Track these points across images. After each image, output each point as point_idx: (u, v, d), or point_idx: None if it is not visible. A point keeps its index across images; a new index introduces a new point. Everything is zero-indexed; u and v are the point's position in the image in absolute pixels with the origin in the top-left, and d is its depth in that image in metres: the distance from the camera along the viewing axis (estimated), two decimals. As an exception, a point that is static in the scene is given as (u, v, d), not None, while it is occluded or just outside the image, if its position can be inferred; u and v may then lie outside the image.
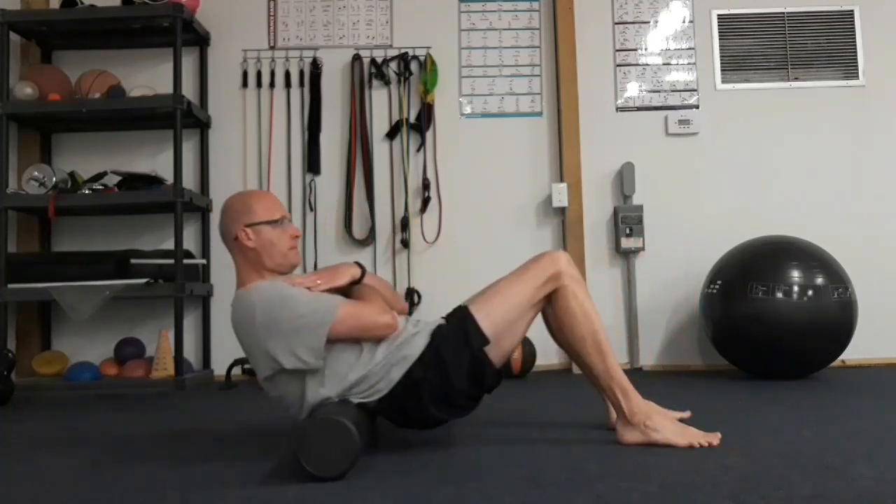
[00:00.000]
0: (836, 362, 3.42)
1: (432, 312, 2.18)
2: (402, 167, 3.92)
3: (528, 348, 3.58)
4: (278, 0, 4.03)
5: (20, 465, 1.94)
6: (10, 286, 3.48)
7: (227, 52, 3.99)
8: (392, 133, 3.95)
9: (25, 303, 3.74)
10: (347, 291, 1.97)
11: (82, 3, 3.77)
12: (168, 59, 3.85)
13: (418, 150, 3.95)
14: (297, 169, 3.94)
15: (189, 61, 3.95)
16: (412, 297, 3.82)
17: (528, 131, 3.98)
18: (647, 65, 4.01)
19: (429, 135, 3.95)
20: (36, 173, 3.58)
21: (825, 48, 3.99)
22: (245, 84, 3.98)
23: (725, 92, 3.99)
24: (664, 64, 4.01)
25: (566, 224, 3.86)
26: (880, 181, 3.93)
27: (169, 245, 3.79)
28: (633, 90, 4.00)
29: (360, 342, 1.86)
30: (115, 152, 3.93)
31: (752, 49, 4.01)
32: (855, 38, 3.98)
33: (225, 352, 3.78)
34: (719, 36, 4.01)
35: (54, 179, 3.57)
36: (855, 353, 3.50)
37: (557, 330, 2.01)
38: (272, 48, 4.01)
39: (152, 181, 3.65)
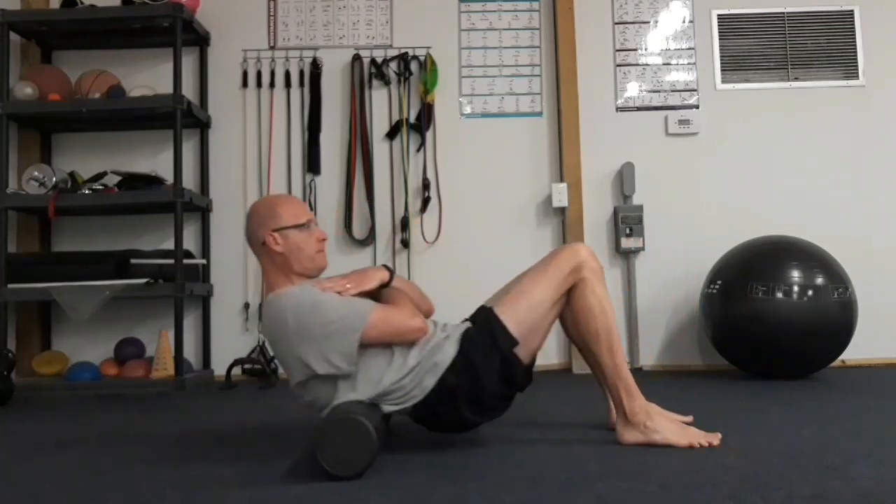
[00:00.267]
0: (836, 362, 3.42)
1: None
2: (402, 167, 3.92)
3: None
4: (278, 0, 4.03)
5: (20, 465, 1.94)
6: (10, 286, 3.49)
7: (227, 52, 3.99)
8: (392, 133, 3.95)
9: (25, 303, 3.74)
10: (376, 295, 1.97)
11: (82, 3, 3.77)
12: (168, 59, 3.85)
13: (418, 150, 3.95)
14: (297, 169, 3.94)
15: (189, 61, 3.95)
16: (412, 297, 3.82)
17: (528, 131, 3.98)
18: (647, 65, 4.01)
19: (429, 135, 3.95)
20: (36, 173, 3.58)
21: (825, 48, 3.99)
22: (245, 84, 3.98)
23: (725, 92, 3.99)
24: (664, 64, 4.01)
25: (566, 224, 3.86)
26: (880, 181, 3.93)
27: (169, 245, 3.79)
28: (633, 90, 4.00)
29: (390, 346, 1.86)
30: (115, 152, 3.93)
31: (752, 49, 4.01)
32: (855, 38, 3.98)
33: (225, 352, 3.79)
34: (719, 36, 4.01)
35: (54, 179, 3.57)
36: (855, 353, 3.50)
37: (572, 322, 2.00)
38: (272, 48, 4.01)
39: (152, 181, 3.65)
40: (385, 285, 1.99)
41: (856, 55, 3.97)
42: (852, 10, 3.99)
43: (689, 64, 4.01)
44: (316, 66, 3.96)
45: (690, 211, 3.91)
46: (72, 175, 3.67)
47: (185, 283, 3.52)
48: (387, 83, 3.97)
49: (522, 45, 4.02)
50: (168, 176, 3.66)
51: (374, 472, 1.69)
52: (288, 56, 3.99)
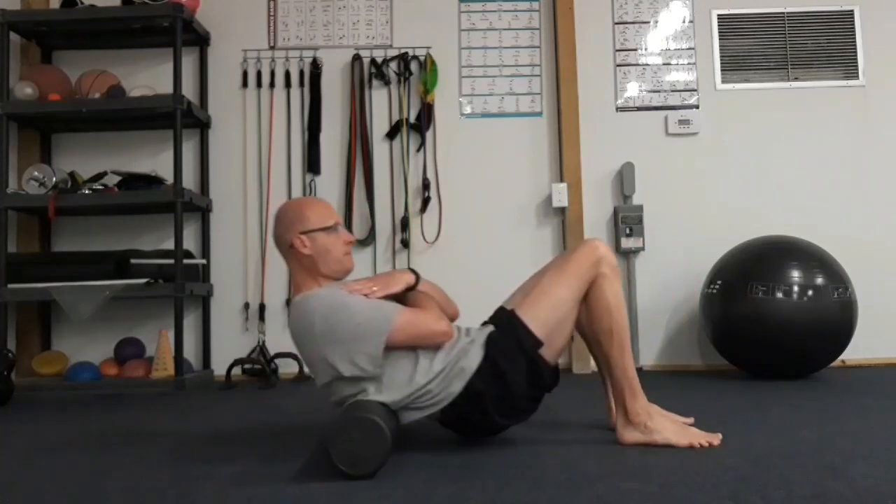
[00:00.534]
0: (836, 362, 3.42)
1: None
2: (402, 167, 3.92)
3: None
4: (278, 0, 4.03)
5: (20, 465, 1.93)
6: (10, 286, 3.49)
7: (227, 52, 3.99)
8: (392, 133, 3.95)
9: (25, 303, 3.74)
10: (402, 298, 1.97)
11: (82, 3, 3.77)
12: (168, 59, 3.85)
13: (418, 150, 3.95)
14: (297, 169, 3.94)
15: (189, 61, 3.95)
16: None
17: (528, 131, 3.98)
18: (647, 65, 4.01)
19: (429, 135, 3.95)
20: (36, 173, 3.58)
21: (825, 48, 3.99)
22: (245, 84, 3.98)
23: (725, 92, 3.99)
24: (664, 64, 4.01)
25: (566, 224, 3.86)
26: (880, 181, 3.93)
27: (169, 245, 3.79)
28: (633, 90, 4.00)
29: (416, 350, 1.86)
30: (115, 152, 3.93)
31: (752, 49, 4.01)
32: (855, 38, 3.98)
33: (225, 352, 3.79)
34: (719, 36, 4.01)
35: (54, 179, 3.57)
36: (855, 353, 3.50)
37: (586, 318, 1.99)
38: (272, 48, 4.01)
39: (152, 181, 3.65)
40: (411, 288, 2.00)
41: (856, 55, 3.97)
42: (852, 10, 3.99)
43: (689, 64, 4.01)
44: (316, 66, 3.96)
45: (690, 211, 3.91)
46: (72, 175, 3.67)
47: (185, 283, 3.52)
48: (387, 83, 3.97)
49: (522, 45, 4.02)
50: (168, 176, 3.66)
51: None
52: (288, 56, 3.99)
